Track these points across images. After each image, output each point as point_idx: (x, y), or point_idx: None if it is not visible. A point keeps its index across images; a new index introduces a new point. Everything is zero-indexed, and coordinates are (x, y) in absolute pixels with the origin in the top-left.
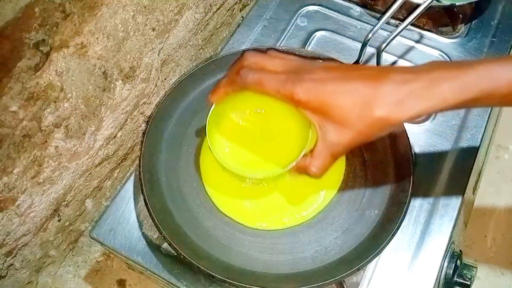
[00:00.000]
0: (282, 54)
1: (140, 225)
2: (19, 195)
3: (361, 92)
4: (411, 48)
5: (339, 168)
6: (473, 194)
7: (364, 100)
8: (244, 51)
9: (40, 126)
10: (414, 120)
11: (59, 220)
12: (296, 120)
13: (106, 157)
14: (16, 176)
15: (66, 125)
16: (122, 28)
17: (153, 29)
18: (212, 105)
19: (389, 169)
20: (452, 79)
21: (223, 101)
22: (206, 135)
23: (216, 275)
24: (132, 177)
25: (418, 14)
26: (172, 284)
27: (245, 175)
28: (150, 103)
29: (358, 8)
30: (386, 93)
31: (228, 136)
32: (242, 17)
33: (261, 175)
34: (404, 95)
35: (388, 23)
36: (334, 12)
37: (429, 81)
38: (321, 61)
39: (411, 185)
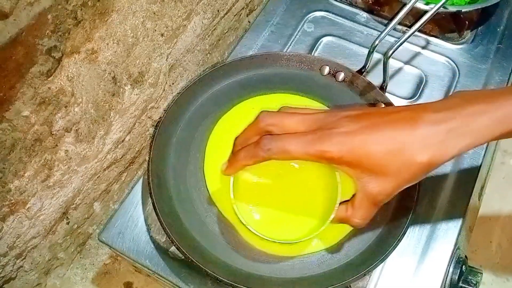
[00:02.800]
0: (298, 109)
1: (148, 229)
2: (30, 198)
3: (395, 139)
4: (417, 54)
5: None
6: (479, 200)
7: (401, 147)
8: (258, 114)
9: (51, 130)
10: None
11: (67, 223)
12: (320, 174)
13: (115, 161)
14: (27, 180)
15: (76, 130)
16: (132, 34)
17: (162, 35)
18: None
19: None
20: (488, 113)
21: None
22: (233, 205)
23: (223, 279)
24: (141, 181)
25: (425, 21)
26: (179, 287)
27: (280, 241)
28: (158, 107)
29: (365, 14)
30: (424, 137)
31: (250, 197)
32: (249, 22)
33: (298, 238)
34: (443, 135)
35: (394, 29)
36: (340, 18)
37: (465, 118)
38: (342, 110)
39: (417, 190)
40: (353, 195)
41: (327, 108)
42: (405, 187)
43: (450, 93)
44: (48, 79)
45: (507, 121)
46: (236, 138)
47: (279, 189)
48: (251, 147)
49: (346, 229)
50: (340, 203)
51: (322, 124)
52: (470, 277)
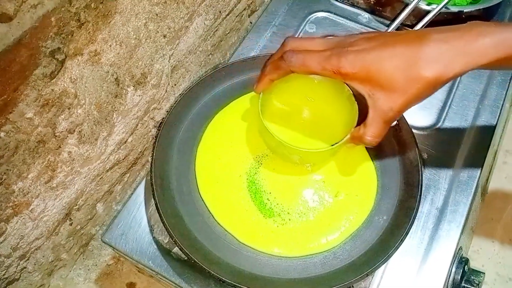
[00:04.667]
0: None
1: (151, 230)
2: (33, 199)
3: (404, 55)
4: None
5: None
6: (481, 200)
7: (409, 63)
8: (284, 40)
9: (54, 132)
10: (458, 77)
11: (70, 224)
12: (340, 102)
13: (117, 162)
14: (31, 181)
15: (79, 131)
16: (134, 36)
17: (164, 36)
18: (260, 94)
19: (397, 175)
20: (492, 34)
21: (269, 90)
22: (261, 119)
23: (226, 280)
24: (143, 182)
25: (428, 21)
26: None
27: (300, 148)
28: (160, 108)
29: (367, 15)
30: (430, 53)
31: (276, 122)
32: (250, 22)
33: (316, 148)
34: (448, 53)
35: (397, 29)
36: (342, 19)
37: (469, 37)
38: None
39: (419, 191)
40: (367, 115)
41: None
42: (413, 104)
43: (452, 94)
44: (52, 81)
45: (507, 44)
46: (265, 61)
47: (301, 117)
48: (276, 60)
49: (349, 229)
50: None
51: (340, 44)
52: (472, 277)
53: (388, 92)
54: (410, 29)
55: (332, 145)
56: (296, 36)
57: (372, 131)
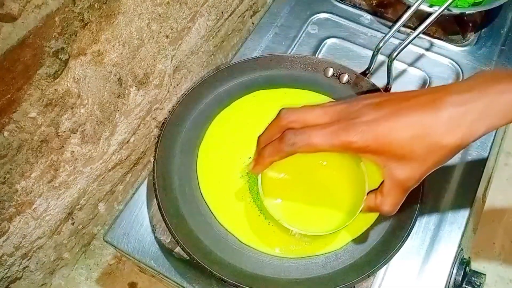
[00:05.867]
0: (318, 104)
1: (153, 229)
2: (36, 199)
3: (421, 124)
4: (421, 56)
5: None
6: (482, 201)
7: (427, 131)
8: (279, 111)
9: (57, 131)
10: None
11: (72, 223)
12: (345, 167)
13: (119, 162)
14: (34, 181)
15: (82, 131)
16: (137, 36)
17: (167, 37)
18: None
19: None
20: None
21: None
22: (261, 196)
23: (228, 280)
24: (145, 182)
25: (430, 23)
26: (183, 287)
27: (308, 234)
28: (162, 108)
29: (369, 16)
30: (449, 119)
31: (277, 193)
32: (252, 23)
33: (328, 230)
34: (468, 117)
35: (399, 31)
36: (344, 20)
37: (489, 97)
38: (362, 96)
39: (421, 192)
40: (381, 184)
41: (334, 101)
42: (433, 169)
43: None
44: (55, 81)
45: None
46: (259, 137)
47: (305, 184)
48: (276, 142)
49: (352, 233)
50: (368, 193)
51: (345, 114)
52: (473, 279)
53: (406, 162)
54: (422, 90)
55: (345, 224)
56: (297, 37)
57: (390, 201)
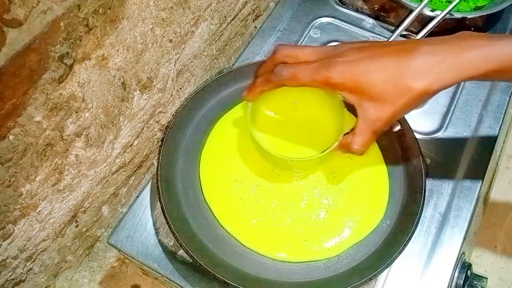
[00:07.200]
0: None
1: (157, 232)
2: (40, 202)
3: (393, 67)
4: None
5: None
6: (484, 205)
7: (398, 74)
8: (275, 46)
9: (62, 135)
10: (447, 88)
11: (76, 226)
12: (330, 108)
13: (123, 165)
14: (38, 184)
15: (87, 134)
16: (141, 40)
17: (170, 41)
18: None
19: (401, 180)
20: (482, 47)
21: (260, 97)
22: (250, 129)
23: (231, 283)
24: (149, 185)
25: (432, 27)
26: None
27: (288, 158)
28: (165, 112)
29: (371, 20)
30: (419, 66)
31: (267, 129)
32: (255, 27)
33: (304, 157)
34: (437, 66)
35: (401, 35)
36: (346, 24)
37: (459, 50)
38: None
39: (423, 196)
40: (355, 124)
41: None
42: (401, 115)
43: (455, 100)
44: (60, 85)
45: (497, 58)
46: (256, 69)
47: (291, 122)
48: (267, 74)
49: (354, 237)
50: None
51: (330, 54)
52: (475, 282)
53: (377, 102)
54: (402, 39)
55: (321, 153)
56: (299, 42)
57: (360, 140)
